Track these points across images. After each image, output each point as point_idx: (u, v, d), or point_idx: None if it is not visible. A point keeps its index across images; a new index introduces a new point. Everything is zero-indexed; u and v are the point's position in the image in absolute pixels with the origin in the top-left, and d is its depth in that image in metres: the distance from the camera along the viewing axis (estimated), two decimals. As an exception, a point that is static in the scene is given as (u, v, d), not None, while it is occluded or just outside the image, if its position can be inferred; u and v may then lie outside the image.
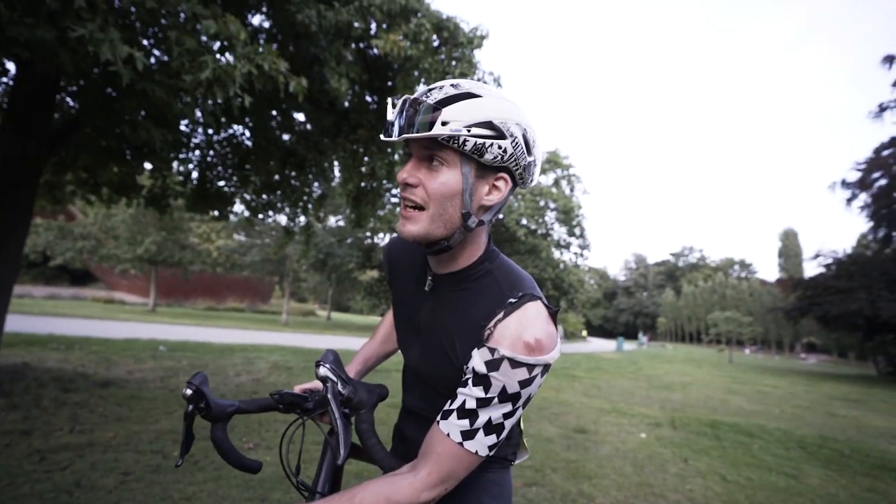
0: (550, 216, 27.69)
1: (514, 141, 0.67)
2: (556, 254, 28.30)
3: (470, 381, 0.68)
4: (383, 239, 25.69)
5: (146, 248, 17.87)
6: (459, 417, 0.67)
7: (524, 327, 0.67)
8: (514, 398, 0.67)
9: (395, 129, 0.67)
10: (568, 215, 27.53)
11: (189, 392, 0.76)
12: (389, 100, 0.72)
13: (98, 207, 7.72)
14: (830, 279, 20.13)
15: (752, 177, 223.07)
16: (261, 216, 7.01)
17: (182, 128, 5.31)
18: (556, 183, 29.09)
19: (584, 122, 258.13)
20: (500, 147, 0.66)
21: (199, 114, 5.00)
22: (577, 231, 28.83)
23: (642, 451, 4.28)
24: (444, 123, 0.64)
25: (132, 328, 11.08)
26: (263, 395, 0.89)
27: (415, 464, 0.70)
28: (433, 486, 0.67)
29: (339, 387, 0.82)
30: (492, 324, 0.69)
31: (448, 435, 0.68)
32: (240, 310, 26.79)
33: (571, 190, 29.64)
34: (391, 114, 0.69)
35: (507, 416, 0.68)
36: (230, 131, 5.91)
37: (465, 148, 0.65)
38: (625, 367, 14.69)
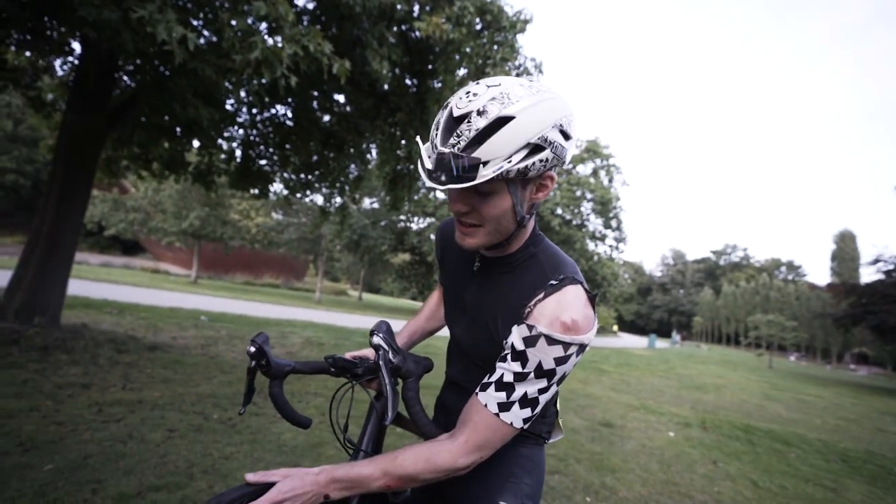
0: (587, 207, 27.09)
1: (553, 146, 0.67)
2: (591, 245, 27.73)
3: (508, 356, 0.72)
4: (417, 223, 25.86)
5: (190, 223, 18.74)
6: (497, 390, 0.71)
7: (562, 308, 0.70)
8: (549, 374, 0.70)
9: (439, 176, 0.66)
10: (605, 207, 26.86)
11: (252, 349, 0.82)
12: (418, 139, 0.76)
13: (149, 182, 8.15)
14: (890, 286, 18.86)
15: (805, 174, 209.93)
16: (298, 195, 7.23)
17: (227, 107, 5.51)
18: (595, 173, 28.35)
19: (628, 110, 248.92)
20: (541, 160, 0.66)
21: (243, 93, 5.18)
22: (613, 223, 28.12)
23: (670, 450, 4.21)
24: (484, 164, 0.64)
25: (176, 298, 11.70)
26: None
27: (453, 432, 0.74)
28: (469, 452, 0.71)
29: (391, 355, 0.88)
30: (532, 303, 0.72)
31: (486, 406, 0.72)
32: (275, 286, 27.73)
33: (610, 181, 28.82)
34: (428, 161, 0.68)
35: (542, 391, 0.71)
36: (273, 111, 6.08)
37: (510, 176, 0.65)
38: (656, 364, 14.35)
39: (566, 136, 0.69)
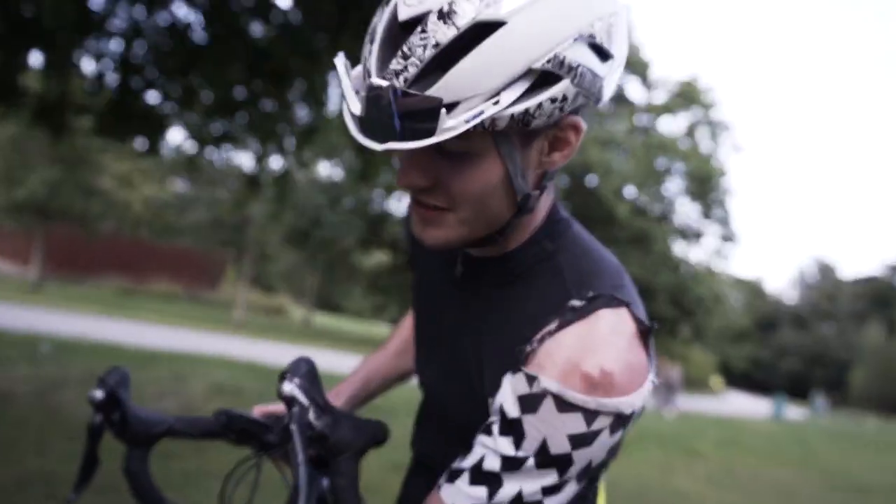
0: (675, 184, 27.18)
1: (576, 72, 0.64)
2: (679, 247, 27.82)
3: (495, 427, 0.71)
4: (401, 202, 25.94)
5: (31, 191, 18.73)
6: (473, 482, 0.71)
7: (587, 348, 0.68)
8: (560, 463, 0.68)
9: (374, 127, 0.64)
10: (704, 185, 27.00)
11: (99, 395, 0.82)
12: (338, 58, 0.71)
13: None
14: None
15: None
16: (212, 152, 7.17)
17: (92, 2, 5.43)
18: (689, 131, 28.38)
19: (744, 41, 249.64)
20: (552, 100, 0.64)
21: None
22: (717, 212, 28.15)
23: None
24: (451, 107, 0.61)
25: (1, 313, 11.62)
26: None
27: None
28: None
29: (311, 415, 0.84)
30: (538, 337, 0.71)
31: None
32: (172, 297, 27.87)
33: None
34: (355, 101, 0.66)
35: (548, 491, 0.69)
36: (169, 14, 6.01)
37: (498, 128, 0.63)
38: (784, 446, 14.46)
39: (603, 55, 0.67)
